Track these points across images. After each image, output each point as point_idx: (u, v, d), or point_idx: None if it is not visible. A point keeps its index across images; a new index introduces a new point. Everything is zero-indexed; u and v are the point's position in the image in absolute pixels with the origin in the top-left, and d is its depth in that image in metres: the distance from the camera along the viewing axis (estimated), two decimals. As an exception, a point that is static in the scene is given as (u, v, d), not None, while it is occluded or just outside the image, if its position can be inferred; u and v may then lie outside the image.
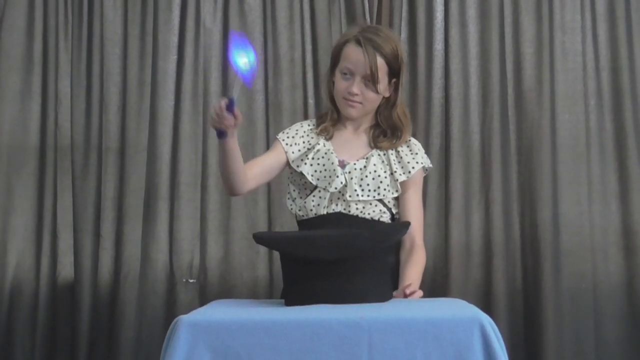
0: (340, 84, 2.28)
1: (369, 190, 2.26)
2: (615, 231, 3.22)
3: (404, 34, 3.27)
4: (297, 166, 2.30)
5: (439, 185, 3.22)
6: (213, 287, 3.23)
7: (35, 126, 3.30)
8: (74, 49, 3.29)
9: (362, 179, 2.26)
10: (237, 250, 3.24)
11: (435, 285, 3.16)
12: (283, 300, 1.89)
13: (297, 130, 2.37)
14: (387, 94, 2.31)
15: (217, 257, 3.25)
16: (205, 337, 1.59)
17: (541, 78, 3.24)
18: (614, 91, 3.26)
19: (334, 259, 1.78)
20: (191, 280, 3.23)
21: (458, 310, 1.77)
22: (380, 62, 2.24)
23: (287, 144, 2.33)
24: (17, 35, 3.30)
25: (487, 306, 3.08)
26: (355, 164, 2.29)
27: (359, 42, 2.24)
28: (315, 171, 2.28)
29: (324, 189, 2.26)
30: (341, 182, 2.25)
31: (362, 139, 2.35)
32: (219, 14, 3.32)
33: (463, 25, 3.26)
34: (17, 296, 3.24)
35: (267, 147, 3.06)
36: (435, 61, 3.26)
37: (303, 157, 2.30)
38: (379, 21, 3.29)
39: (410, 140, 2.37)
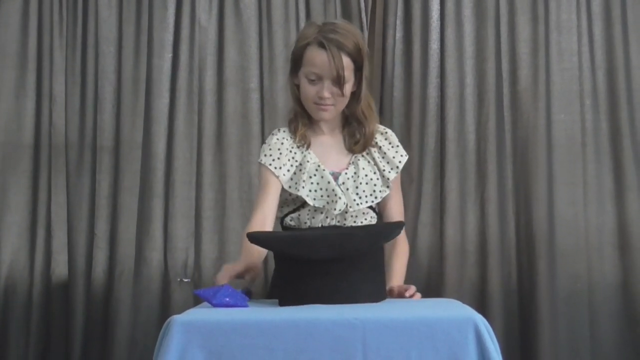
0: (309, 89, 2.20)
1: (366, 196, 2.25)
2: (610, 231, 3.22)
3: (399, 33, 3.27)
4: (290, 187, 2.24)
5: (434, 184, 3.22)
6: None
7: (29, 124, 3.30)
8: (69, 47, 3.28)
9: (357, 187, 2.24)
10: (232, 249, 3.23)
11: (430, 284, 3.15)
12: (277, 300, 1.89)
13: (279, 149, 2.25)
14: (353, 89, 2.25)
15: (212, 256, 3.24)
16: (199, 337, 1.58)
17: (537, 78, 3.23)
18: (609, 91, 3.26)
19: (329, 259, 1.78)
20: (185, 280, 3.22)
21: (452, 310, 1.77)
22: (346, 61, 2.16)
23: (275, 167, 2.22)
24: (12, 33, 3.29)
25: (481, 305, 3.08)
26: (346, 173, 2.26)
27: (322, 45, 2.14)
28: (310, 191, 2.23)
29: (324, 207, 2.23)
30: (344, 203, 2.21)
31: (339, 140, 2.32)
32: (214, 12, 3.31)
33: (459, 24, 3.26)
34: (10, 294, 3.23)
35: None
36: (431, 60, 3.25)
37: (295, 178, 2.24)
38: (373, 20, 3.29)
39: (387, 132, 2.34)
